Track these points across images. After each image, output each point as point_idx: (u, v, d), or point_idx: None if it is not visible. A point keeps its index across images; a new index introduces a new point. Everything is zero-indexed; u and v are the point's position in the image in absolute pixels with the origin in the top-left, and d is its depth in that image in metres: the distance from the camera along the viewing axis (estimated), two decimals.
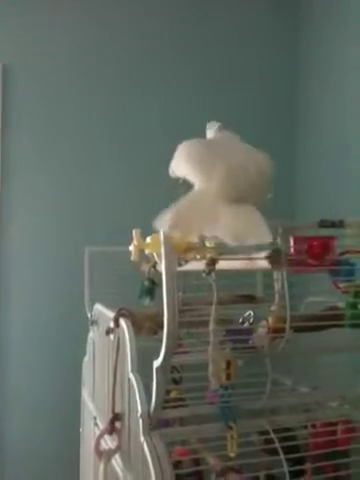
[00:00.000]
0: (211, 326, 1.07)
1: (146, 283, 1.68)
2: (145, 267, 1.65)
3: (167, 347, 1.07)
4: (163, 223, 1.14)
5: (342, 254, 1.17)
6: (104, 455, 1.36)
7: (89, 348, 1.93)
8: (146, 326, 1.44)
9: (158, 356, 1.10)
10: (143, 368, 1.23)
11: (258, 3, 2.63)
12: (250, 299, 1.50)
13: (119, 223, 2.28)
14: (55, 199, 2.40)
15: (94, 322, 1.77)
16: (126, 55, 2.50)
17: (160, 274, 1.19)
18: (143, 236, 1.46)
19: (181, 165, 1.21)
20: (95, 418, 1.68)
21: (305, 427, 1.37)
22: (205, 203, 1.17)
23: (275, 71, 2.66)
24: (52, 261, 2.36)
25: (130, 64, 2.51)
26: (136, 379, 1.18)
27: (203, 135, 1.26)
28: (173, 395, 1.54)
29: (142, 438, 1.13)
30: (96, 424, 1.66)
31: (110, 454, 1.36)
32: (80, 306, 2.07)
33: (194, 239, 1.13)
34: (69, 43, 2.44)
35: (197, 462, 1.34)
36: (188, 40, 2.56)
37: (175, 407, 1.33)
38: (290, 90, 2.65)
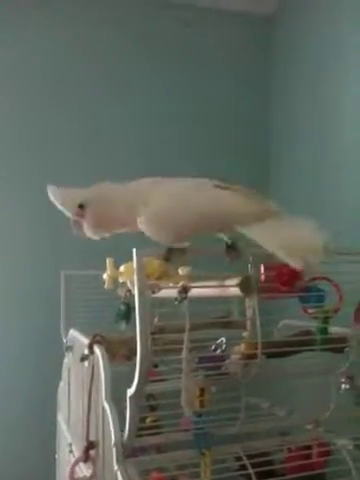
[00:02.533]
0: (184, 354, 1.08)
1: (122, 307, 1.69)
2: (121, 291, 1.66)
3: (140, 375, 1.07)
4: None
5: (311, 280, 1.20)
6: None
7: (64, 374, 1.91)
8: (120, 353, 1.44)
9: (132, 384, 1.11)
10: (118, 392, 1.23)
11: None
12: (225, 324, 1.51)
13: (95, 246, 2.28)
14: (28, 221, 2.39)
15: (69, 348, 1.77)
16: (105, 75, 2.54)
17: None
18: (118, 262, 1.47)
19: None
20: (70, 445, 1.67)
21: (281, 451, 1.38)
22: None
23: (248, 95, 2.72)
24: (27, 285, 2.35)
25: (99, 85, 2.53)
26: (110, 408, 1.18)
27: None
28: (149, 421, 1.54)
29: (116, 467, 1.13)
30: (71, 451, 1.65)
31: None
32: (56, 330, 2.06)
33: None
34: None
35: None
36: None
37: (151, 434, 1.32)
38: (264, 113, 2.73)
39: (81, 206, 1.11)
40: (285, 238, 1.03)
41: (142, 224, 1.08)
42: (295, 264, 1.00)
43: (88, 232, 1.14)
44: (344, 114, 2.18)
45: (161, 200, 1.08)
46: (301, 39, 2.51)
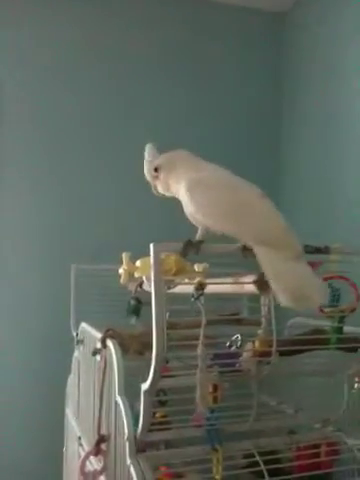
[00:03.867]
0: (199, 350, 1.08)
1: (132, 302, 1.69)
2: (132, 286, 1.66)
3: (155, 370, 1.08)
4: None
5: (326, 279, 1.19)
6: (89, 477, 1.36)
7: (74, 367, 1.92)
8: (133, 347, 1.44)
9: (145, 378, 1.11)
10: (128, 387, 1.23)
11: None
12: (236, 321, 1.51)
13: (106, 240, 2.30)
14: (40, 215, 2.39)
15: (80, 341, 1.77)
16: (119, 70, 2.53)
17: (146, 293, 1.20)
18: (132, 257, 1.47)
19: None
20: (79, 438, 1.67)
21: (289, 449, 1.38)
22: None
23: (261, 98, 2.72)
24: (37, 278, 2.35)
25: (119, 81, 2.53)
26: (123, 402, 1.19)
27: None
28: (158, 417, 1.54)
29: (129, 461, 1.13)
30: (81, 444, 1.65)
31: (95, 476, 1.36)
32: (66, 324, 2.07)
33: None
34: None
35: None
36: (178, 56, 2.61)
37: (161, 430, 1.33)
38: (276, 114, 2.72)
39: (156, 169, 1.22)
40: (298, 279, 1.05)
41: (184, 185, 1.14)
42: (284, 302, 1.04)
43: (161, 192, 1.24)
44: (355, 112, 2.17)
45: (215, 173, 1.18)
46: (314, 36, 2.50)
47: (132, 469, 1.10)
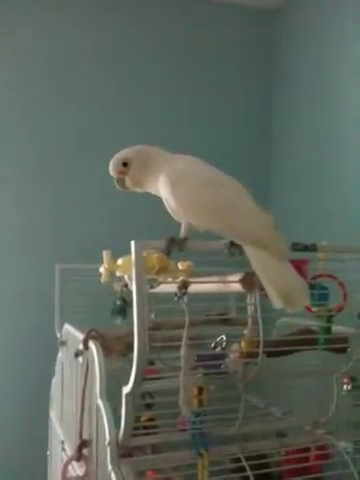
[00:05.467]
0: (182, 351, 1.04)
1: (118, 302, 1.65)
2: (117, 285, 1.62)
3: (137, 373, 1.04)
4: None
5: (315, 278, 1.16)
6: None
7: (58, 369, 1.87)
8: (116, 349, 1.40)
9: (128, 381, 1.07)
10: (113, 389, 1.19)
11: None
12: (223, 321, 1.47)
13: (91, 239, 2.25)
14: (24, 214, 2.34)
15: (63, 343, 1.73)
16: (114, 69, 2.49)
17: (132, 293, 1.16)
18: (115, 255, 1.42)
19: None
20: (62, 442, 1.63)
21: (278, 453, 1.34)
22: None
23: (253, 92, 2.69)
24: (21, 278, 2.30)
25: (112, 79, 2.49)
26: (104, 406, 1.15)
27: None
28: (144, 420, 1.50)
29: (110, 467, 1.09)
30: (64, 449, 1.61)
31: None
32: (50, 325, 2.02)
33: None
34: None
35: None
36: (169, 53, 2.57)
37: (147, 434, 1.29)
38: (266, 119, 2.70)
39: (125, 164, 1.15)
40: (280, 278, 1.04)
41: (164, 181, 1.09)
42: (275, 303, 1.03)
43: (129, 187, 1.19)
44: (347, 109, 2.15)
45: (192, 166, 1.13)
46: (306, 34, 2.47)
47: (113, 475, 1.06)
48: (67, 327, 1.70)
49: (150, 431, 1.33)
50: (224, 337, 1.18)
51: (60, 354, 1.83)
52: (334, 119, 2.22)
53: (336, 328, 1.25)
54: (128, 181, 1.17)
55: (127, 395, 1.07)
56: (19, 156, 2.35)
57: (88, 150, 2.42)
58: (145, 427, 1.40)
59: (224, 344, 1.17)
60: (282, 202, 2.51)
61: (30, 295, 2.28)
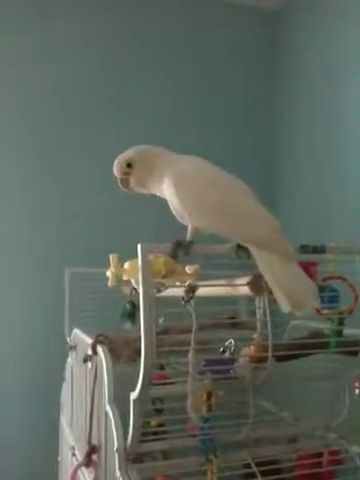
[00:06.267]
0: (190, 356, 1.03)
1: (127, 306, 1.63)
2: (126, 289, 1.61)
3: (144, 378, 1.03)
4: None
5: (325, 280, 1.14)
6: None
7: (67, 374, 1.86)
8: (125, 354, 1.39)
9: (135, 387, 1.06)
10: (123, 394, 1.18)
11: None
12: (233, 325, 1.45)
13: (101, 243, 2.23)
14: (33, 218, 2.34)
15: (72, 348, 1.72)
16: (112, 66, 2.49)
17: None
18: (124, 259, 1.41)
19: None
20: (73, 448, 1.62)
21: (290, 458, 1.32)
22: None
23: (254, 92, 2.68)
24: (31, 282, 2.30)
25: (111, 77, 2.49)
26: (113, 411, 1.14)
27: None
28: (154, 425, 1.48)
29: (118, 473, 1.08)
30: (74, 454, 1.60)
31: None
32: (60, 330, 2.01)
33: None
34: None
35: None
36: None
37: (157, 439, 1.27)
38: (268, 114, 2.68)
39: (129, 165, 1.14)
40: (288, 281, 1.02)
41: (168, 182, 1.08)
42: (283, 306, 1.02)
43: (134, 188, 1.18)
44: (348, 110, 2.13)
45: (197, 167, 1.12)
46: (307, 35, 2.46)
47: None
48: (76, 332, 1.69)
49: (160, 437, 1.32)
50: (233, 341, 1.16)
51: (69, 359, 1.82)
52: (336, 119, 2.21)
53: (348, 331, 1.23)
54: (132, 182, 1.16)
55: (135, 400, 1.06)
56: (24, 159, 2.35)
57: (95, 152, 2.41)
58: (155, 433, 1.39)
59: (233, 348, 1.16)
60: (284, 203, 2.49)
61: (40, 300, 2.28)
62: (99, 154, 2.39)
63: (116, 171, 1.16)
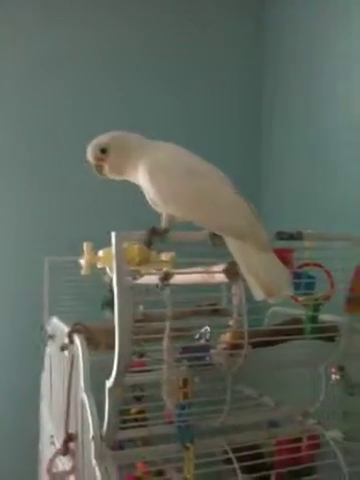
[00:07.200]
0: (165, 343, 1.02)
1: (108, 295, 1.63)
2: (107, 278, 1.60)
3: (119, 366, 1.02)
4: None
5: (301, 267, 1.14)
6: (57, 477, 1.30)
7: (46, 363, 1.85)
8: (103, 342, 1.38)
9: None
10: (101, 382, 1.17)
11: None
12: (212, 312, 1.45)
13: (81, 232, 2.21)
14: (12, 206, 2.31)
15: (51, 337, 1.71)
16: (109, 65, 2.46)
17: None
18: (104, 247, 1.40)
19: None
20: (52, 436, 1.61)
21: (269, 443, 1.33)
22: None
23: (242, 78, 2.66)
24: (10, 271, 2.27)
25: (102, 79, 2.46)
26: (89, 399, 1.13)
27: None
28: (133, 413, 1.48)
29: (94, 461, 1.08)
30: (53, 443, 1.59)
31: (64, 476, 1.30)
32: (40, 318, 2.00)
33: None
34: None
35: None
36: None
37: (136, 427, 1.27)
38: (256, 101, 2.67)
39: (103, 150, 1.12)
40: (262, 270, 1.02)
41: (143, 170, 1.06)
42: (256, 294, 1.03)
43: (108, 174, 1.15)
44: (333, 100, 2.13)
45: (173, 155, 1.10)
46: (292, 27, 2.44)
47: (97, 470, 1.04)
48: (55, 321, 1.68)
49: (140, 423, 1.32)
50: (208, 328, 1.16)
51: (48, 348, 1.81)
52: (323, 111, 2.20)
53: (326, 317, 1.24)
54: (106, 169, 1.13)
55: (109, 389, 1.06)
56: (8, 150, 2.32)
57: (80, 146, 2.37)
58: (136, 419, 1.39)
59: (208, 335, 1.15)
60: (272, 193, 2.49)
61: (19, 288, 2.25)
62: (82, 143, 2.37)
63: (90, 156, 1.13)
